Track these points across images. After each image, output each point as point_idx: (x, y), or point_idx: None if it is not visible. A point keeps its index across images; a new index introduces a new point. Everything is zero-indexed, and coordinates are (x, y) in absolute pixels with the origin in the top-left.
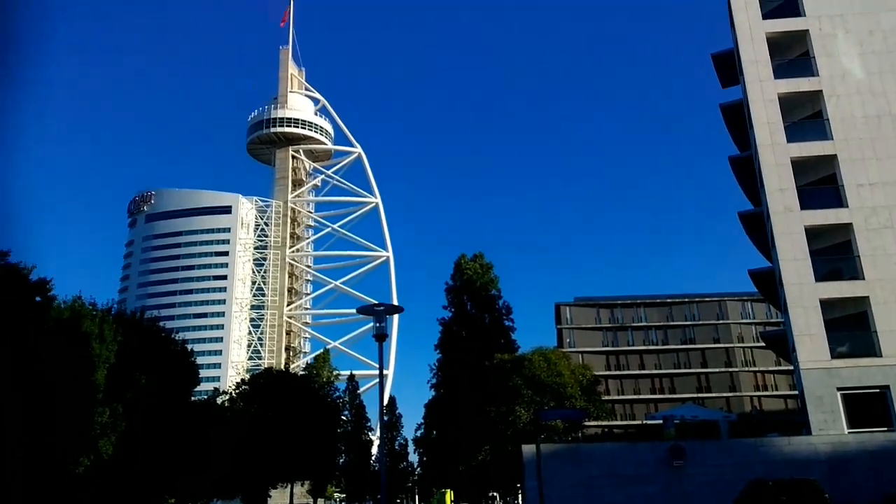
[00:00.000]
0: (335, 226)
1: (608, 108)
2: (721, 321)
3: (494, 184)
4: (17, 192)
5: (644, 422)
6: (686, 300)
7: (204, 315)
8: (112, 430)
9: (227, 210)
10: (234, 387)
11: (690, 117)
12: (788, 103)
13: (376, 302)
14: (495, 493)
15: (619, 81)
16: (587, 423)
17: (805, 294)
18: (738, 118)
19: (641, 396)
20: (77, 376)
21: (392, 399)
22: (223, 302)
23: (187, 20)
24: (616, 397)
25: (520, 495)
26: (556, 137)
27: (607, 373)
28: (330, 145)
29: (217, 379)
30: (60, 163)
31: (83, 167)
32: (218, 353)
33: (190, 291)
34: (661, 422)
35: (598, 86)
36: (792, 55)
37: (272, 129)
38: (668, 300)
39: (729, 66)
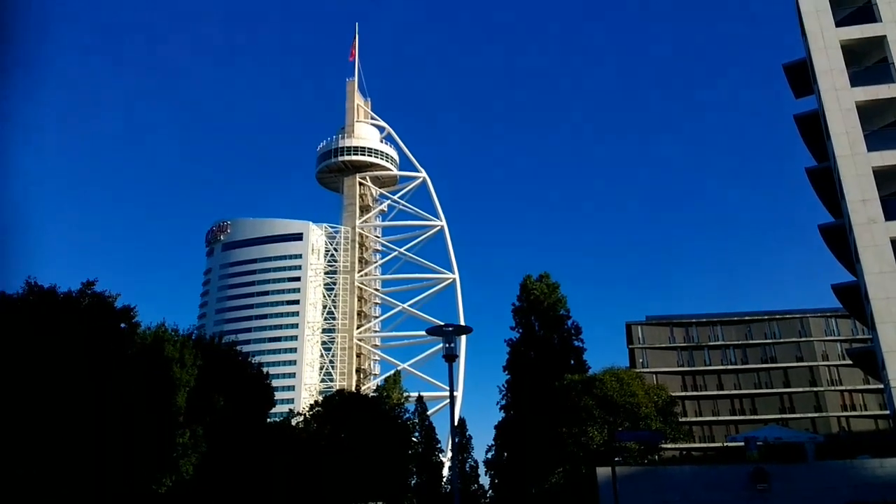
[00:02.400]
0: (402, 249)
1: (676, 123)
2: (804, 338)
3: (559, 203)
4: (103, 226)
5: (724, 444)
6: (765, 317)
7: (278, 339)
8: (193, 450)
9: (298, 237)
10: (307, 408)
11: (765, 128)
12: (867, 111)
13: (444, 323)
14: None
15: (688, 96)
16: (663, 446)
17: (893, 308)
18: (814, 129)
19: (720, 418)
20: (159, 399)
21: (462, 420)
22: (296, 326)
23: (261, 55)
24: (693, 419)
25: None
26: (624, 154)
27: (683, 393)
28: (395, 171)
29: (291, 401)
30: (144, 197)
31: (164, 200)
32: (292, 375)
33: (265, 316)
34: (742, 444)
35: (666, 100)
36: (869, 62)
37: (340, 158)
38: (747, 318)
39: (802, 76)
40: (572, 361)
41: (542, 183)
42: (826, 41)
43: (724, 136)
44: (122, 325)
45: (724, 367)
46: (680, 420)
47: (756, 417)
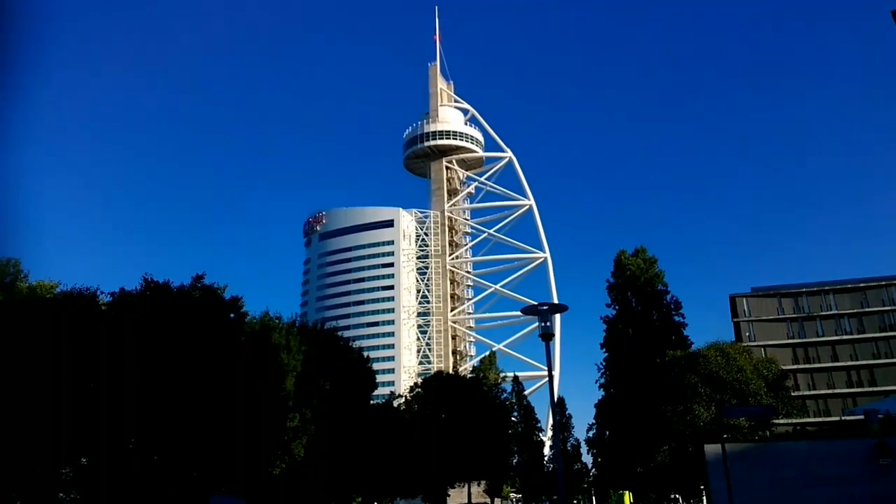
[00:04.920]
0: (491, 231)
1: (777, 85)
2: None
3: (651, 175)
4: (211, 221)
5: (841, 418)
6: (883, 283)
7: (375, 324)
8: (303, 433)
9: (389, 224)
10: (408, 390)
11: (871, 79)
12: None
13: (538, 303)
14: (677, 496)
15: (784, 59)
16: (775, 422)
17: None
18: None
19: (836, 391)
20: (269, 385)
21: (561, 399)
22: (392, 311)
23: (343, 47)
24: (806, 393)
25: (704, 497)
26: (722, 119)
27: (795, 367)
28: (481, 153)
29: (391, 383)
30: (244, 192)
31: (263, 192)
32: (390, 359)
33: (362, 302)
34: (861, 417)
35: (761, 64)
36: None
37: (426, 144)
38: (862, 285)
39: None
40: (673, 337)
41: (631, 156)
42: None
43: (833, 93)
44: (231, 314)
45: (839, 338)
46: (792, 394)
47: (876, 389)
